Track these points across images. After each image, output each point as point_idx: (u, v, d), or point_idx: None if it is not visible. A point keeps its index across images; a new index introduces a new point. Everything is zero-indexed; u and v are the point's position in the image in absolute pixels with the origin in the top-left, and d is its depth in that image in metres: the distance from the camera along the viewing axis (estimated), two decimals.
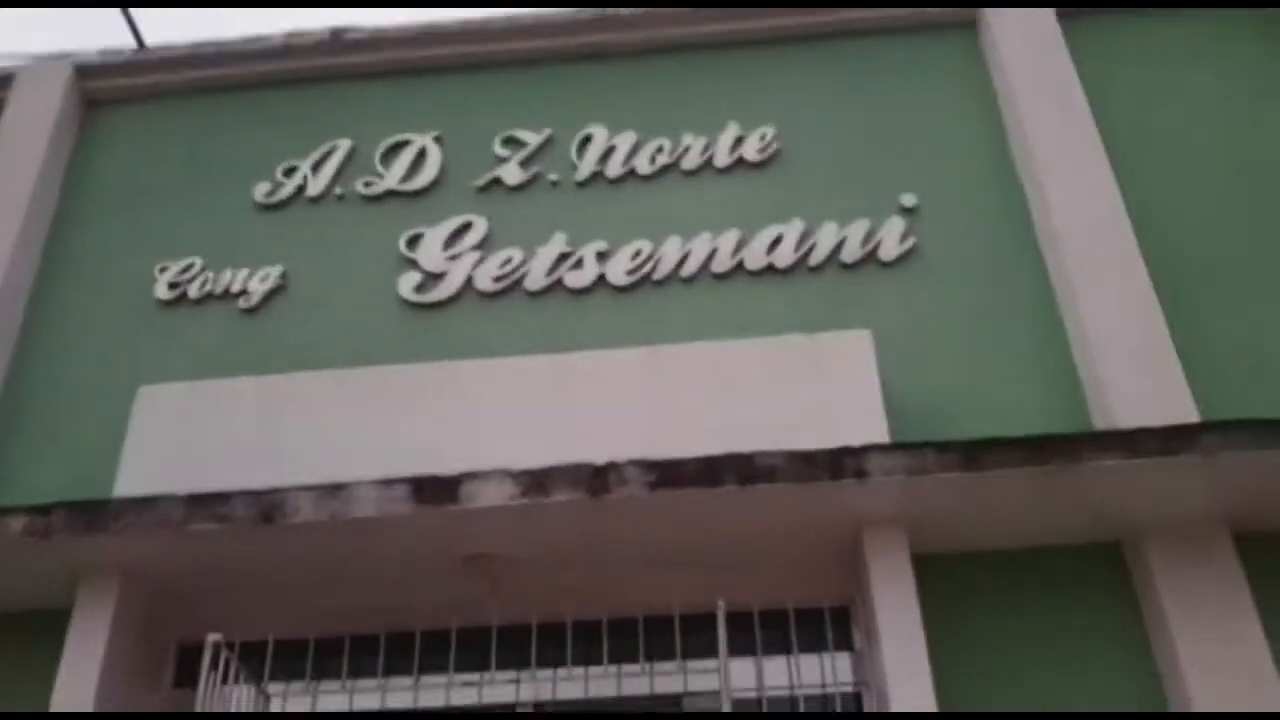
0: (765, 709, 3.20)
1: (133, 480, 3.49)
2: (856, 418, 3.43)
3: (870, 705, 3.25)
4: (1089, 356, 3.71)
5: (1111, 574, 3.43)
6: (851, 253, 4.06)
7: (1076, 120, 4.25)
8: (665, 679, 3.36)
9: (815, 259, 4.06)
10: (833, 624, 3.37)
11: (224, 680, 2.92)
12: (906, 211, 4.15)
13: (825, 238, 4.09)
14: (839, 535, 3.28)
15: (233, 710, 3.07)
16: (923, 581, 3.17)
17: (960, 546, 3.40)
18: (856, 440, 3.14)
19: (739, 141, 4.40)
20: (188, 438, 3.59)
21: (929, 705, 2.96)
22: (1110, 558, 3.45)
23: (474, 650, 3.42)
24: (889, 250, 4.06)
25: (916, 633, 3.07)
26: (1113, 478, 3.08)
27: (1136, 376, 3.62)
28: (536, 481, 3.10)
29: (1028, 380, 3.77)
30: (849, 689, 3.32)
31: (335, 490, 3.07)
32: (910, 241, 4.07)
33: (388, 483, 3.08)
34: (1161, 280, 3.86)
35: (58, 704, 3.13)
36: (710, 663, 3.24)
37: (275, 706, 3.37)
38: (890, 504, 3.15)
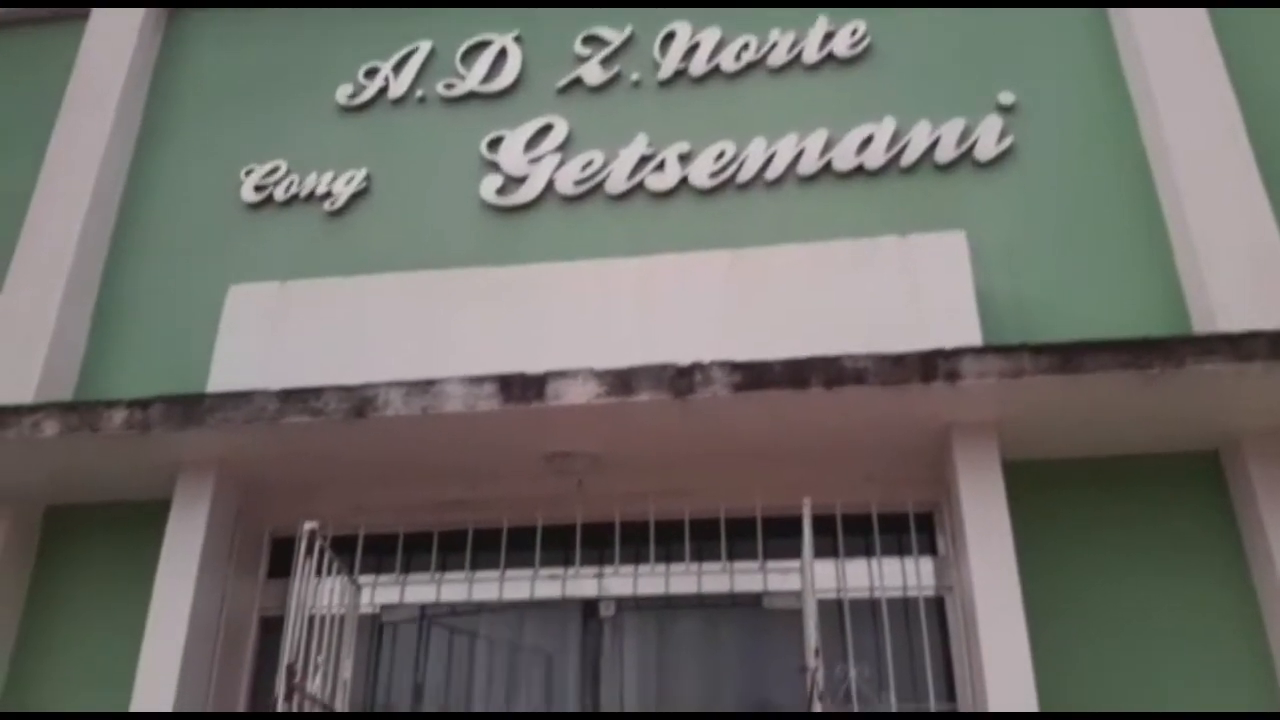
0: (847, 610, 3.21)
1: (226, 377, 3.57)
2: (949, 321, 3.35)
3: (954, 610, 3.24)
4: (1193, 260, 3.55)
5: (1208, 484, 3.34)
6: (946, 153, 3.91)
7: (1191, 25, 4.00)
8: (746, 578, 3.39)
9: (908, 159, 3.92)
10: (916, 529, 3.35)
11: (317, 571, 3.00)
12: (1004, 110, 3.97)
13: (918, 137, 3.94)
14: (927, 439, 3.24)
15: (325, 599, 3.17)
16: (1012, 488, 3.12)
17: (1051, 453, 3.33)
18: (949, 343, 3.06)
19: (829, 37, 4.23)
20: (278, 336, 3.65)
21: (1016, 610, 2.93)
22: (1207, 467, 3.35)
23: (558, 546, 3.48)
24: (986, 150, 3.90)
25: (1005, 537, 3.02)
26: (1215, 383, 2.96)
27: (1243, 280, 3.46)
28: (621, 381, 3.09)
29: (1127, 283, 3.63)
30: (931, 593, 3.32)
31: (425, 386, 3.10)
32: (1008, 141, 3.91)
33: (476, 380, 3.10)
34: (1274, 182, 3.68)
35: (160, 591, 3.27)
36: (790, 563, 3.26)
37: (365, 597, 3.49)
38: (982, 408, 3.09)
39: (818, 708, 2.52)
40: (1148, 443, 3.31)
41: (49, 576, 3.74)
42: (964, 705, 3.07)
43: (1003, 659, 2.88)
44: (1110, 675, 3.12)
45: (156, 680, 3.15)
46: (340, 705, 3.21)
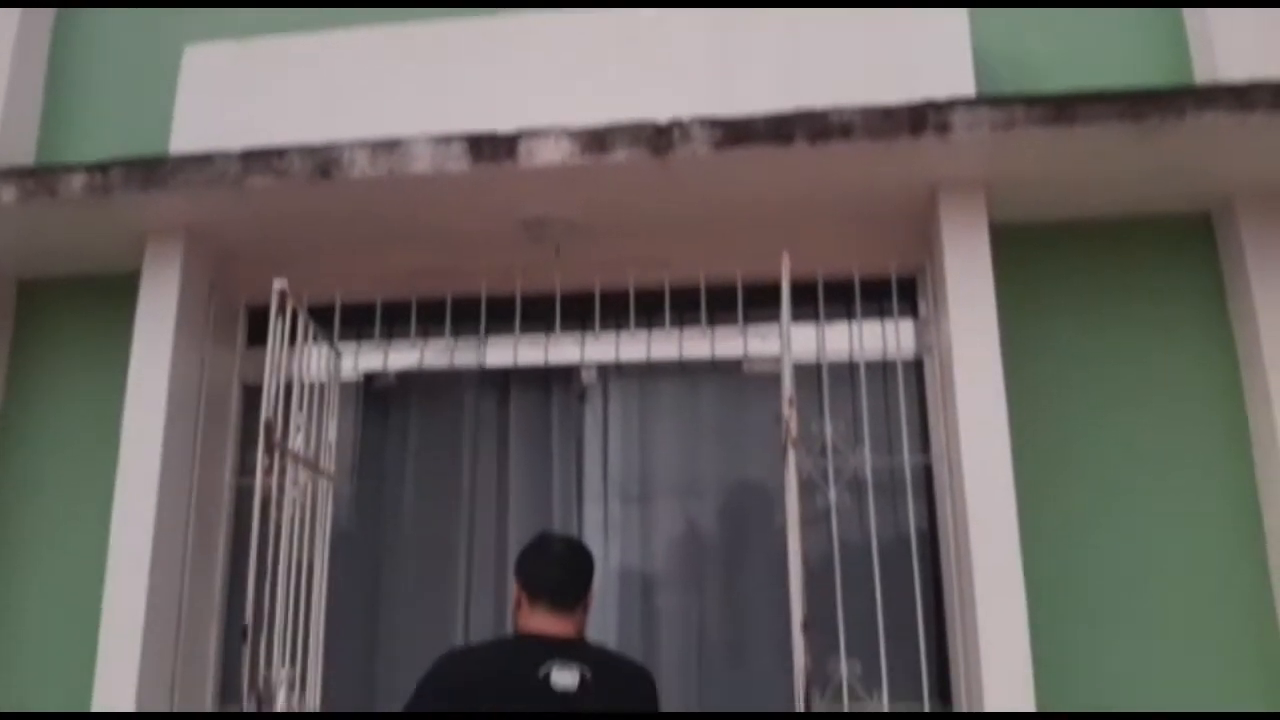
0: (825, 375, 3.22)
1: (186, 141, 3.43)
2: (943, 79, 3.18)
3: (932, 371, 3.25)
4: (1200, 17, 3.37)
5: (1197, 247, 3.28)
6: None
7: None
8: (726, 343, 3.39)
9: None
10: (899, 295, 3.32)
11: (291, 338, 2.97)
12: None
13: None
14: (913, 201, 3.15)
15: (305, 365, 3.16)
16: (998, 251, 3.05)
17: (1039, 215, 3.26)
18: (940, 96, 2.92)
19: None
20: (239, 98, 3.48)
21: (995, 369, 2.93)
22: (1198, 230, 3.29)
23: (539, 316, 3.45)
24: None
25: (987, 297, 2.98)
26: (1214, 135, 2.84)
27: (1249, 30, 3.29)
28: (597, 140, 2.96)
29: (1128, 34, 3.45)
30: (911, 356, 3.32)
31: (391, 146, 2.97)
32: None
33: (444, 140, 2.97)
34: None
35: (137, 360, 3.24)
36: (771, 328, 3.25)
37: (347, 364, 3.49)
38: (972, 164, 2.98)
39: (791, 460, 2.55)
40: (1139, 204, 3.23)
41: (27, 354, 3.73)
42: (938, 460, 3.13)
43: (978, 414, 2.90)
44: (1087, 436, 3.16)
45: (141, 447, 3.18)
46: (328, 465, 3.26)
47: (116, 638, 3.01)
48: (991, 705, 2.66)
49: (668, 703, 3.13)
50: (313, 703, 3.04)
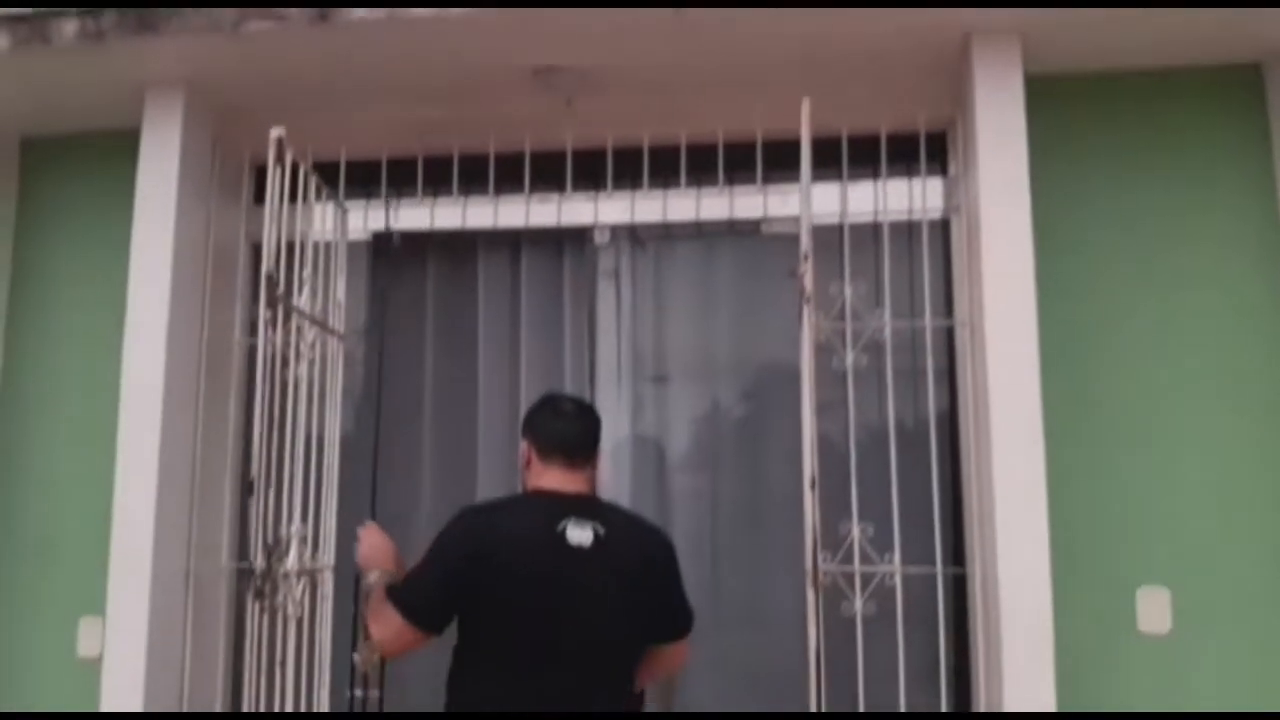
0: (846, 234, 3.10)
1: None
2: None
3: (959, 231, 3.13)
4: None
5: (1245, 102, 3.09)
6: None
7: None
8: (745, 201, 3.26)
9: None
10: (928, 151, 3.16)
11: (293, 195, 2.88)
12: None
13: None
14: (944, 48, 2.97)
15: (312, 223, 3.08)
16: (1033, 104, 2.89)
17: (1077, 66, 3.08)
18: None
19: None
20: None
21: (1024, 228, 2.81)
22: (1246, 83, 3.10)
23: (550, 175, 3.33)
24: None
25: (1020, 153, 2.84)
26: None
27: None
28: None
29: None
30: (938, 215, 3.19)
31: None
32: None
33: None
34: None
35: (139, 216, 3.17)
36: (791, 188, 3.11)
37: (356, 222, 3.40)
38: (1006, 9, 2.79)
39: (806, 317, 2.46)
40: (1183, 53, 3.04)
41: (33, 212, 3.66)
42: (961, 323, 3.03)
43: (1005, 274, 2.80)
44: (1120, 300, 3.05)
45: (146, 306, 3.13)
46: (337, 324, 3.21)
47: (131, 492, 3.02)
48: (1006, 569, 2.64)
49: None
50: (326, 559, 3.07)
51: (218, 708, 3.08)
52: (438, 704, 2.31)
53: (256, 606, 2.48)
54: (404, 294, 3.51)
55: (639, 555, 2.37)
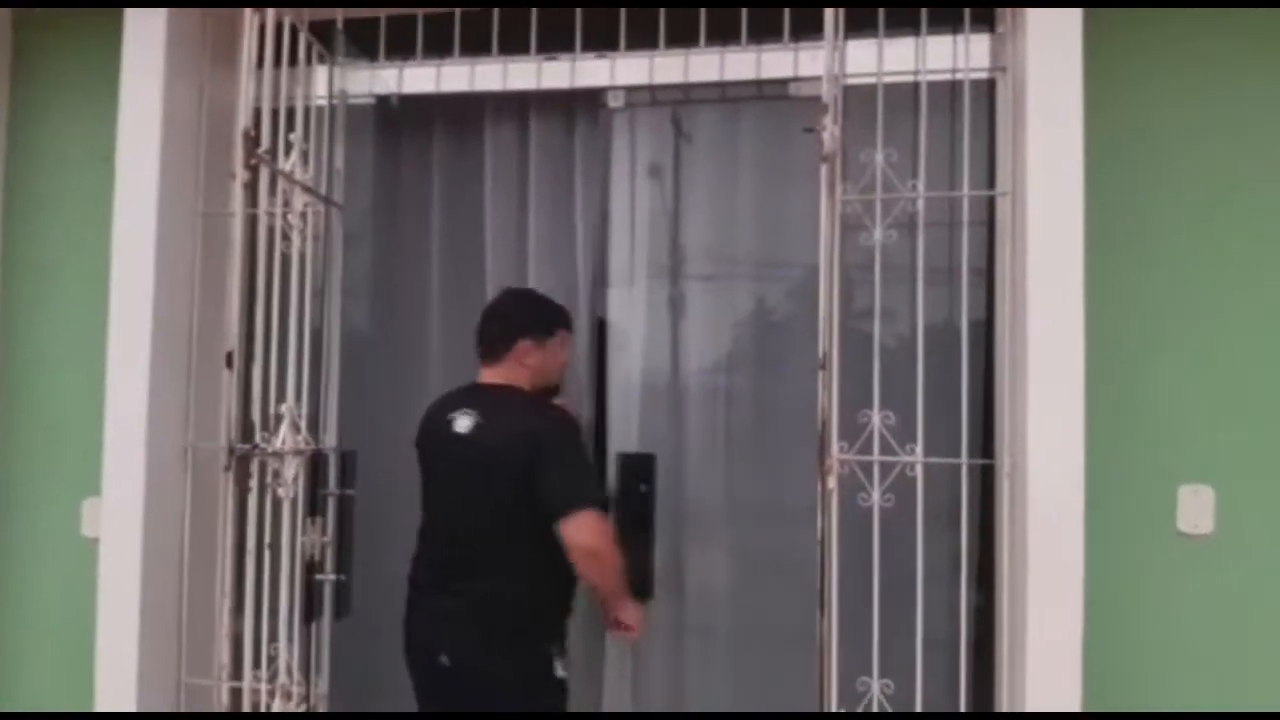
0: (882, 95, 2.82)
1: None
2: None
3: (1004, 92, 2.84)
4: None
5: None
6: None
7: None
8: (773, 59, 2.99)
9: None
10: (973, 7, 2.86)
11: (293, 59, 2.68)
12: None
13: None
14: None
15: (311, 87, 2.88)
16: None
17: None
18: None
19: None
20: None
21: (1075, 90, 2.53)
22: None
23: (561, 30, 3.07)
24: None
25: (1074, 11, 2.55)
26: None
27: None
28: None
29: None
30: (983, 74, 2.90)
31: None
32: None
33: None
34: None
35: (127, 83, 2.99)
36: (823, 45, 2.84)
37: (356, 85, 3.19)
38: None
39: (825, 176, 2.23)
40: None
41: (28, 84, 3.48)
42: (1001, 195, 2.77)
43: (1051, 141, 2.54)
44: (1173, 184, 2.78)
45: (136, 176, 2.97)
46: (336, 195, 3.04)
47: (123, 370, 2.92)
48: (1037, 458, 2.45)
49: (696, 488, 3.02)
50: (327, 441, 2.97)
51: (218, 590, 3.03)
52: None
53: (233, 485, 2.36)
54: (408, 168, 3.32)
55: (513, 436, 2.60)
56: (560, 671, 2.67)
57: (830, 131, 2.17)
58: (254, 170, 2.38)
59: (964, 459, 2.64)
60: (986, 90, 2.92)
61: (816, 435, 2.38)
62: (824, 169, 2.24)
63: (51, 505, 3.29)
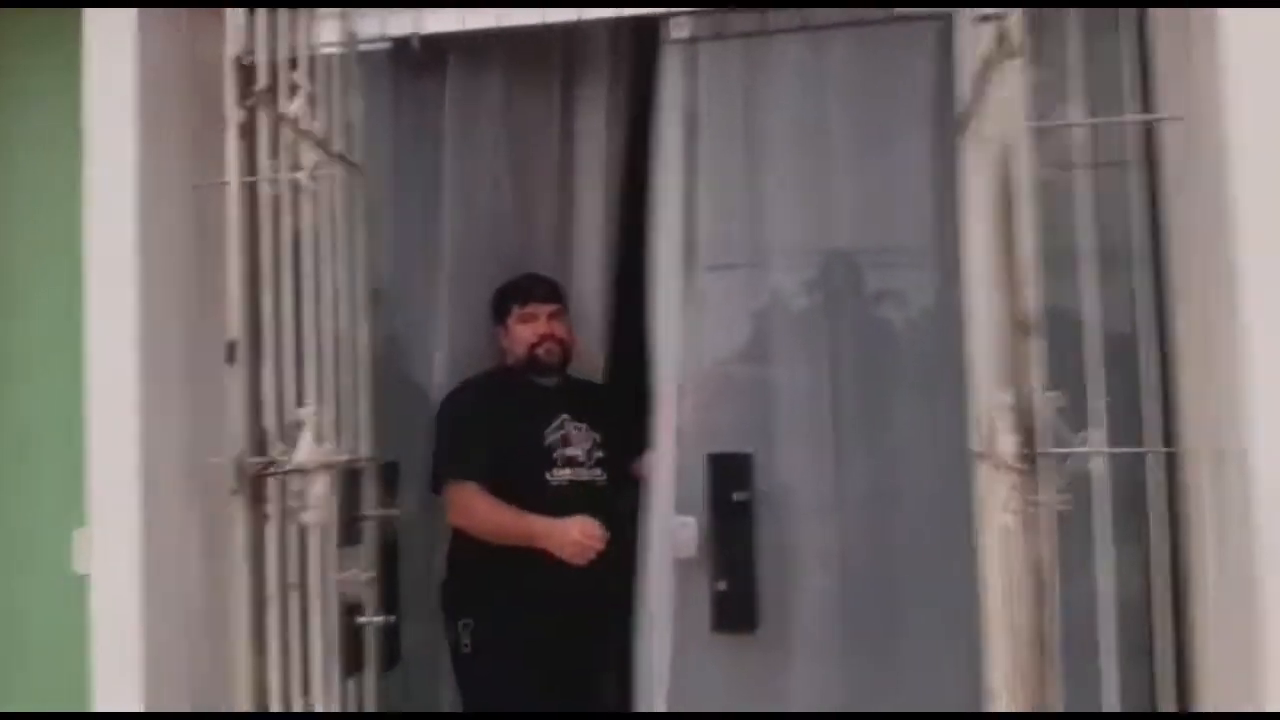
0: None
1: None
2: None
3: None
4: None
5: None
6: None
7: None
8: None
9: None
10: None
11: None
12: None
13: None
14: None
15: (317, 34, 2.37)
16: None
17: None
18: None
19: None
20: None
21: None
22: None
23: None
24: None
25: None
26: None
27: None
28: None
29: None
30: None
31: None
32: None
33: None
34: None
35: (90, 28, 2.50)
36: None
37: (370, 27, 2.68)
38: None
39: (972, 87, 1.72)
40: None
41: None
42: (1175, 112, 2.25)
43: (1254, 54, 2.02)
44: None
45: (109, 145, 2.49)
46: (355, 155, 2.52)
47: (106, 379, 2.44)
48: (1264, 439, 1.94)
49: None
50: (361, 451, 2.46)
51: (238, 630, 2.54)
52: None
53: (246, 511, 1.87)
54: (429, 114, 2.82)
55: None
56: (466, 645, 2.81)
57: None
58: (251, 114, 1.87)
59: (1150, 446, 2.13)
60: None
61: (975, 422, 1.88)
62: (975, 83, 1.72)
63: (41, 535, 2.79)
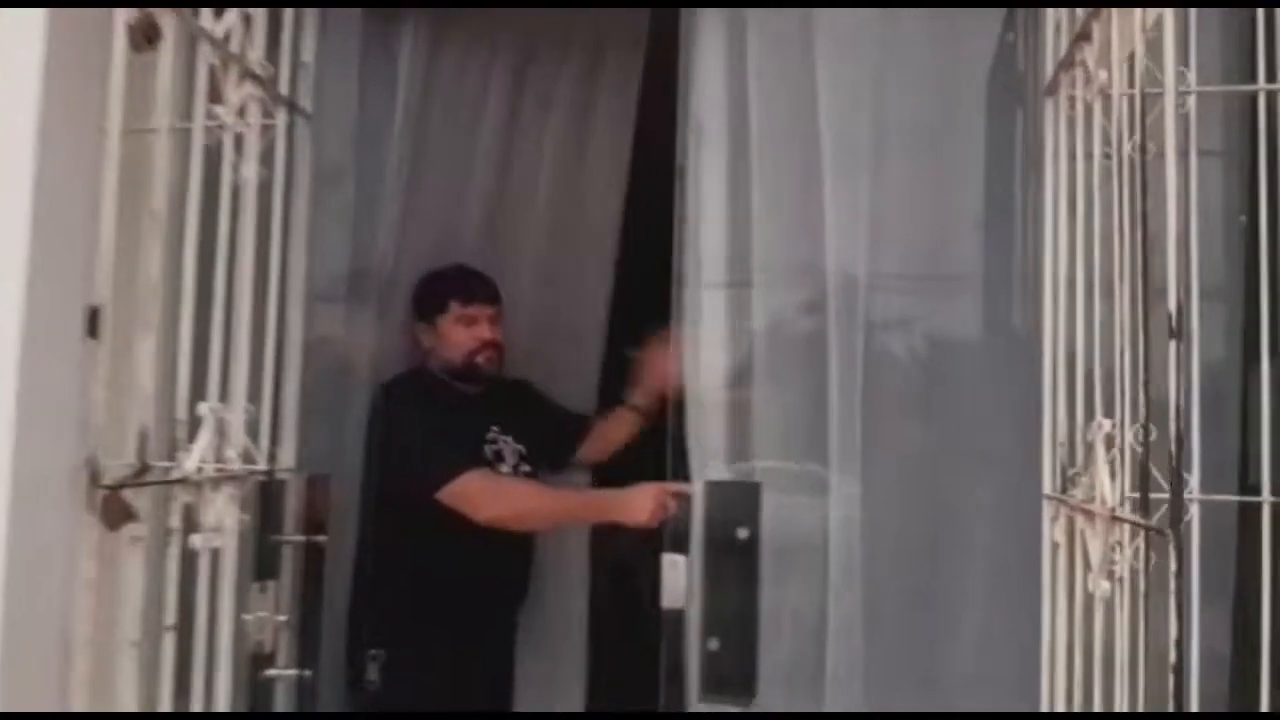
0: None
1: None
2: None
3: None
4: None
5: None
6: None
7: None
8: None
9: None
10: None
11: None
12: None
13: None
14: None
15: None
16: None
17: None
18: None
19: None
20: None
21: None
22: None
23: None
24: None
25: None
26: None
27: None
28: None
29: None
30: None
31: None
32: None
33: None
34: None
35: None
36: None
37: None
38: None
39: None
40: None
41: None
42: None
43: None
44: None
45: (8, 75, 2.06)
46: (303, 101, 2.11)
47: None
48: None
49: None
50: (282, 461, 2.02)
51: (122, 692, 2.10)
52: None
53: (95, 530, 1.44)
54: (396, 69, 2.42)
55: None
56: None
57: None
58: (149, 20, 1.44)
59: (1267, 495, 1.70)
60: None
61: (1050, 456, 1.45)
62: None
63: None
